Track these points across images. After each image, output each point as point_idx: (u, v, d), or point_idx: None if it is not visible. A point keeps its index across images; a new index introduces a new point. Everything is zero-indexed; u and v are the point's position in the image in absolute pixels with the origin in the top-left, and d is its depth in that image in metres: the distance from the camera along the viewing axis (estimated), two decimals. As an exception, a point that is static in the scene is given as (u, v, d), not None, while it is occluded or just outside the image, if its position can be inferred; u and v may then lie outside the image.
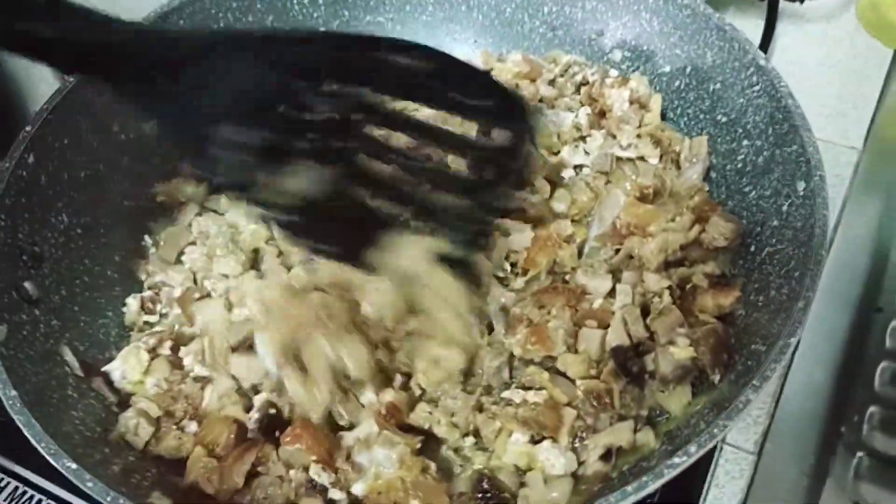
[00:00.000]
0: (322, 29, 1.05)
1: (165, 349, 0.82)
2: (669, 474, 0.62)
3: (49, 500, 0.82)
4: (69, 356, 0.79)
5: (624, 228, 0.85)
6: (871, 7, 1.31)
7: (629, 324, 0.78)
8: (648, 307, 0.81)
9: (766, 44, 1.24)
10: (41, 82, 1.01)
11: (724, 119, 0.91)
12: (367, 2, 1.06)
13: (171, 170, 0.96)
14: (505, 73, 1.00)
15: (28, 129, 0.85)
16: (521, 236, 0.84)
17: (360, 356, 0.73)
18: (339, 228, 0.69)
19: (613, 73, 0.99)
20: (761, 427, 0.91)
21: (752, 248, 0.83)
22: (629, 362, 0.76)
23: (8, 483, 0.84)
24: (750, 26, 1.28)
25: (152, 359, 0.81)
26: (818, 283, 0.69)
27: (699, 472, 0.84)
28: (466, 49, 1.07)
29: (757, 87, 0.86)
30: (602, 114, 0.94)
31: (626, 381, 0.75)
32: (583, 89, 0.97)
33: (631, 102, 0.93)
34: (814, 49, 1.31)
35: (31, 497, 0.83)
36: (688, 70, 0.95)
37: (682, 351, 0.76)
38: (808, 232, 0.73)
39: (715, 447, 0.88)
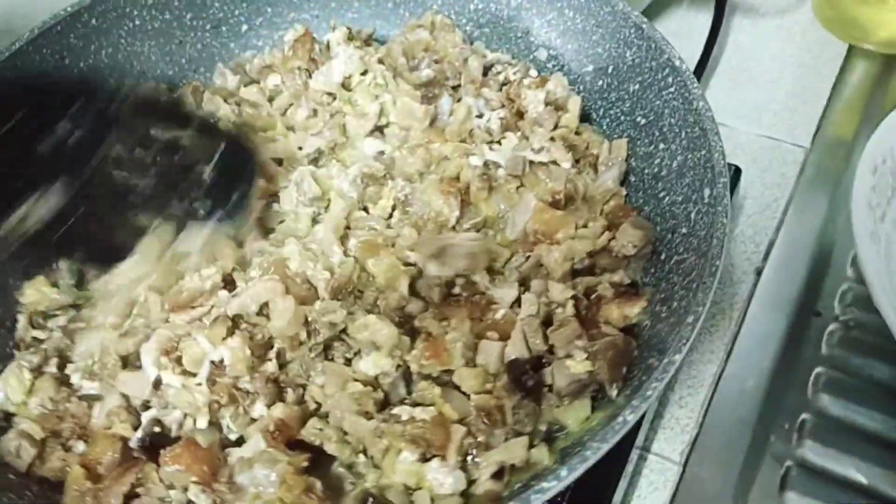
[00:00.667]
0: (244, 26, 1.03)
1: (51, 366, 0.79)
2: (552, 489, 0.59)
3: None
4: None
5: (532, 235, 0.82)
6: (828, 2, 1.28)
7: (528, 336, 0.75)
8: (552, 318, 0.78)
9: (713, 38, 1.21)
10: None
11: (643, 121, 0.88)
12: (289, -2, 1.03)
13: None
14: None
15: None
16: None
17: (240, 353, 0.71)
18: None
19: (533, 73, 0.97)
20: (688, 436, 0.89)
21: (663, 256, 0.80)
22: (524, 376, 0.73)
23: None
24: (704, 20, 1.26)
25: (36, 377, 0.78)
26: (710, 296, 0.66)
27: (616, 482, 0.82)
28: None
29: (672, 89, 0.83)
30: (520, 115, 0.91)
31: (520, 396, 0.72)
32: (503, 89, 0.94)
33: (547, 104, 0.90)
34: (767, 44, 1.28)
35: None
36: (609, 69, 0.92)
37: (578, 364, 0.73)
38: (708, 241, 0.70)
39: (640, 456, 0.86)
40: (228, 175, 0.80)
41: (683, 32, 1.28)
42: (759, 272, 1.00)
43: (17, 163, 0.73)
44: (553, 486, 0.58)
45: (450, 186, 0.84)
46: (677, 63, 0.82)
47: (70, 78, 0.91)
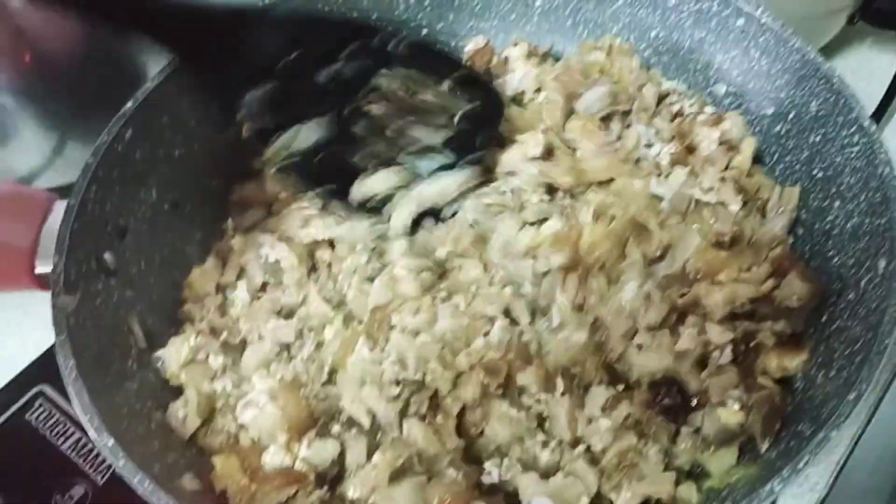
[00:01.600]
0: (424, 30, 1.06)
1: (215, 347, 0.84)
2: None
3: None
4: (136, 327, 0.84)
5: (693, 273, 0.82)
6: None
7: (683, 374, 0.75)
8: (707, 360, 0.78)
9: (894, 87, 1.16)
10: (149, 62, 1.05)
11: (821, 175, 0.86)
12: (472, 7, 1.05)
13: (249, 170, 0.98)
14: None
15: (129, 105, 0.89)
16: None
17: None
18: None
19: (709, 108, 0.95)
20: (817, 496, 0.88)
21: (824, 318, 0.78)
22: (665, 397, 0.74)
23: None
24: (888, 60, 1.21)
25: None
26: (876, 374, 0.65)
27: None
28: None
29: (856, 148, 0.80)
30: (689, 150, 0.90)
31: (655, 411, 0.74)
32: (675, 121, 0.93)
33: (721, 143, 0.89)
34: (953, 93, 1.21)
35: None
36: (791, 116, 0.90)
37: (731, 415, 0.73)
38: (879, 316, 0.68)
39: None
40: (477, 122, 0.88)
41: (864, 72, 1.23)
42: (915, 338, 0.97)
43: (296, 91, 0.83)
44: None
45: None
46: (866, 124, 0.80)
47: (350, 19, 0.99)
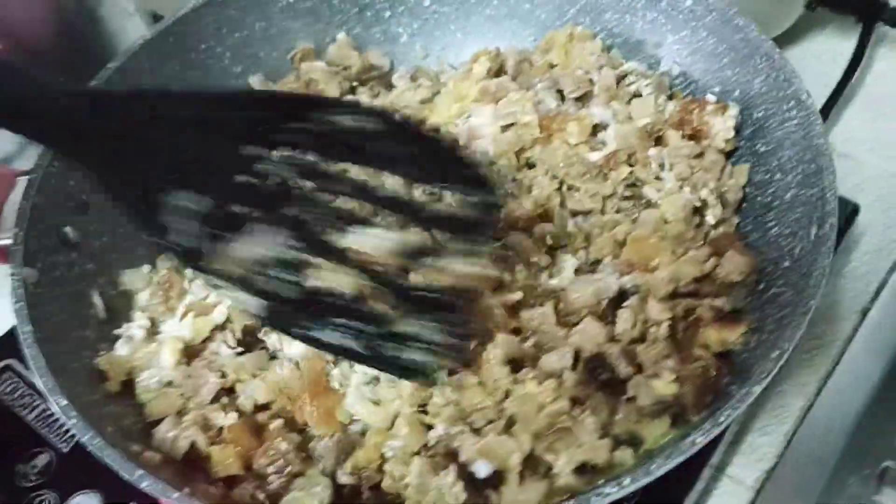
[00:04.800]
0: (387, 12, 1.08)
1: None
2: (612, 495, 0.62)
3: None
4: (97, 299, 0.86)
5: (625, 266, 0.84)
6: None
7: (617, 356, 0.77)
8: (646, 336, 0.80)
9: (854, 65, 1.19)
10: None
11: (763, 149, 0.88)
12: (433, -12, 1.07)
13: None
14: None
15: (93, 83, 0.92)
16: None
17: None
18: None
19: (712, 98, 0.95)
20: (766, 465, 0.89)
21: (762, 286, 0.80)
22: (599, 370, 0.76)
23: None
24: (849, 45, 1.23)
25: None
26: (799, 334, 0.67)
27: (684, 497, 0.83)
28: (527, 45, 1.07)
29: (795, 122, 0.82)
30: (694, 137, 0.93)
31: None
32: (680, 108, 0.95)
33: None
34: (910, 79, 1.24)
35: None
36: (736, 93, 0.92)
37: (664, 386, 0.75)
38: (806, 279, 0.71)
39: (713, 476, 0.88)
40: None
41: (826, 56, 1.25)
42: (864, 312, 0.99)
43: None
44: (613, 493, 0.61)
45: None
46: (803, 97, 0.82)
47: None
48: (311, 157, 0.65)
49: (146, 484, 0.65)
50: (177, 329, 0.83)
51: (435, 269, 0.67)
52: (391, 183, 0.72)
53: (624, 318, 0.80)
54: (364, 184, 0.68)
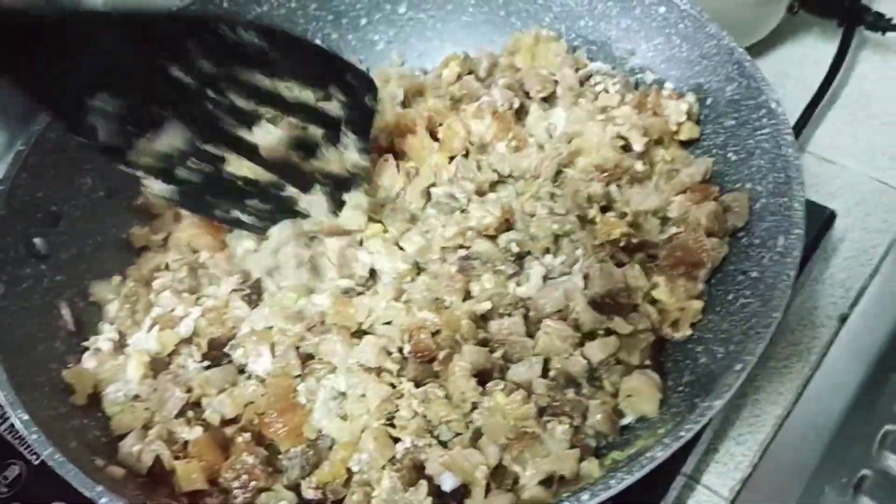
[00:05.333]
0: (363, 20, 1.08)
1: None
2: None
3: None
4: (65, 310, 0.86)
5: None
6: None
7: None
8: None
9: (835, 70, 1.18)
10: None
11: (734, 157, 0.88)
12: (408, -1, 1.07)
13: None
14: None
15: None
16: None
17: None
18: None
19: (669, 85, 0.97)
20: (741, 474, 0.89)
21: (730, 297, 0.80)
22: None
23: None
24: (831, 49, 1.22)
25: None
26: (761, 347, 0.67)
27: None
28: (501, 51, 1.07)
29: (766, 131, 0.82)
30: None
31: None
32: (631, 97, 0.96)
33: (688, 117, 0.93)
34: (893, 84, 1.23)
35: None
36: (709, 101, 0.92)
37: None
38: (772, 291, 0.70)
39: (687, 485, 0.87)
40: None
41: (808, 60, 1.25)
42: (843, 319, 0.98)
43: (145, 96, 0.77)
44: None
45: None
46: (773, 105, 0.81)
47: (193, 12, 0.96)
48: (216, 65, 0.76)
49: (104, 501, 0.65)
50: (143, 342, 0.83)
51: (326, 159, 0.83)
52: (285, 87, 0.80)
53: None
54: (263, 88, 0.79)
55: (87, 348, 0.85)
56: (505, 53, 1.03)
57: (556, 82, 0.97)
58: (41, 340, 0.82)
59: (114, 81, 0.75)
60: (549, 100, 0.97)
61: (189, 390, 0.80)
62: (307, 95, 0.80)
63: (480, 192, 0.88)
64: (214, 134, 0.80)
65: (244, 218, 0.87)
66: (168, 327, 0.83)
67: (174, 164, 0.81)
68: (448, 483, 0.72)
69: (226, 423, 0.79)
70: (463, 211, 0.88)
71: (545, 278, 0.83)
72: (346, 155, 0.84)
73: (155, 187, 0.82)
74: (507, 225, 0.86)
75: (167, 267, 0.91)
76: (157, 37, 0.75)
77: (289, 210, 0.86)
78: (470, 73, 1.02)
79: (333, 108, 0.81)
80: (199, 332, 0.83)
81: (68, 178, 0.91)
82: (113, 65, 0.74)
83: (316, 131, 0.82)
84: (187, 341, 0.83)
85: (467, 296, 0.83)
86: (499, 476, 0.73)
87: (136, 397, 0.81)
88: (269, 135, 0.81)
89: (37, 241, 0.87)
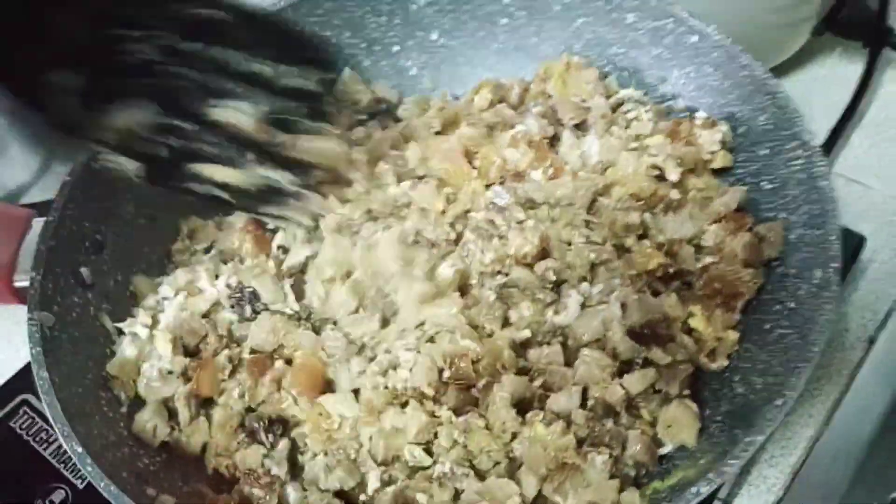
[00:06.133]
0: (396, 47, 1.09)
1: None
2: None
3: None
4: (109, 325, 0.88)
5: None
6: None
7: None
8: None
9: (862, 90, 1.19)
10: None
11: (769, 186, 0.89)
12: (441, 24, 1.08)
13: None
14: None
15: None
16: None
17: None
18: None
19: (702, 114, 0.97)
20: (773, 497, 0.90)
21: (767, 327, 0.81)
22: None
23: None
24: (855, 70, 1.23)
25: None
26: (803, 382, 0.68)
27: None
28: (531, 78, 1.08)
29: (799, 162, 0.83)
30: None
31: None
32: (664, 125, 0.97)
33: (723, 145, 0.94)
34: (919, 102, 1.23)
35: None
36: (740, 130, 0.93)
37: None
38: (811, 325, 0.71)
39: (720, 510, 0.89)
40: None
41: (833, 81, 1.25)
42: (871, 341, 0.99)
43: (105, 72, 0.75)
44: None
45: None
46: (807, 137, 0.82)
47: None
48: (175, 39, 0.75)
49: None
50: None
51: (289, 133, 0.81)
52: (245, 62, 0.79)
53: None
54: (224, 62, 0.77)
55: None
56: (536, 80, 1.04)
57: (587, 109, 0.98)
58: (90, 369, 0.84)
59: (71, 56, 0.73)
60: (580, 126, 0.98)
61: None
62: (269, 71, 0.79)
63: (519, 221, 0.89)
64: (180, 109, 0.78)
65: (223, 195, 0.83)
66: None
67: (140, 140, 0.78)
68: (481, 515, 0.73)
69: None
70: (501, 237, 0.88)
71: (583, 306, 0.84)
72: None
73: (122, 165, 0.79)
74: (543, 253, 0.87)
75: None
76: (108, 14, 0.74)
77: (269, 197, 0.84)
78: (501, 100, 1.03)
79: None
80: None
81: (111, 207, 0.93)
82: (69, 39, 0.73)
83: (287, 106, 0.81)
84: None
85: (505, 323, 0.84)
86: (540, 506, 0.75)
87: (169, 373, 0.84)
88: (237, 112, 0.79)
89: (83, 270, 0.88)
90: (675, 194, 0.90)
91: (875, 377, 0.97)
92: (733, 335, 0.82)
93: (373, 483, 0.77)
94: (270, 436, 0.80)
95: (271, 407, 0.82)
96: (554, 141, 0.98)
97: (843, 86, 1.23)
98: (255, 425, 0.81)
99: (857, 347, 0.98)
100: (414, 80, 1.10)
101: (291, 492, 0.77)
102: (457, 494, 0.75)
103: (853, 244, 1.00)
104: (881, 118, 1.22)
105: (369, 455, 0.78)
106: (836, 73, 1.27)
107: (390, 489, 0.76)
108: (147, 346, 0.87)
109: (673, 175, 0.90)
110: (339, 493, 0.77)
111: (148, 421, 0.82)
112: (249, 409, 0.84)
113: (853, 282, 1.03)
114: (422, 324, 0.83)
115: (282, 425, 0.82)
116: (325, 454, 0.79)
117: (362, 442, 0.79)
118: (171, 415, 0.84)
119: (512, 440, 0.77)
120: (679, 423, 0.78)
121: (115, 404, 0.84)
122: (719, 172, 0.95)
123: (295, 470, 0.80)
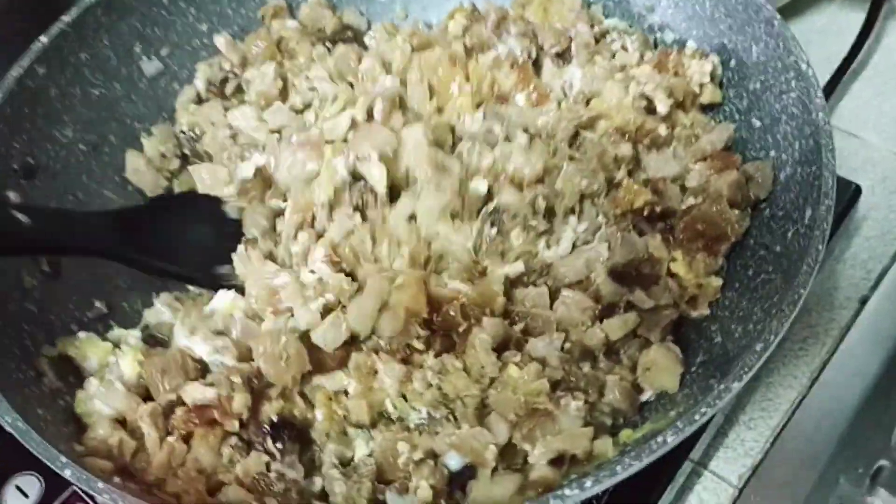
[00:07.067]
0: None
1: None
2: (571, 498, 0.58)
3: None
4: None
5: None
6: None
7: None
8: None
9: (862, 40, 1.13)
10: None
11: (759, 124, 0.83)
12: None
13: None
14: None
15: (43, 39, 0.86)
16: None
17: None
18: None
19: (692, 44, 0.91)
20: (751, 461, 0.86)
21: (751, 272, 0.76)
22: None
23: None
24: (857, 19, 1.17)
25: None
26: (785, 326, 0.62)
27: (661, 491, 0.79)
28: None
29: (794, 94, 0.77)
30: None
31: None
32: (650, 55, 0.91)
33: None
34: (920, 53, 1.17)
35: None
36: (732, 63, 0.87)
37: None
38: (797, 267, 0.65)
39: (694, 471, 0.84)
40: None
41: (833, 30, 1.19)
42: (863, 301, 0.94)
43: None
44: (574, 495, 0.56)
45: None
46: (804, 67, 0.76)
47: None
48: None
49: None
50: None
51: None
52: None
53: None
54: None
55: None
56: (515, 6, 0.98)
57: (569, 38, 0.92)
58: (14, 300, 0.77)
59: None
60: (562, 56, 0.92)
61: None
62: None
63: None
64: None
65: None
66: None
67: None
68: (454, 462, 0.69)
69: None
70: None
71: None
72: None
73: None
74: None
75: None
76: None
77: None
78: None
79: None
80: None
81: (47, 130, 0.86)
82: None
83: None
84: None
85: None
86: (508, 455, 0.70)
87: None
88: None
89: (10, 193, 0.81)
90: (663, 129, 0.84)
91: (866, 339, 0.93)
92: (716, 281, 0.77)
93: (361, 449, 0.72)
94: (279, 443, 0.72)
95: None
96: (536, 67, 0.92)
97: (841, 36, 1.17)
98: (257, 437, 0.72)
99: (847, 307, 0.94)
100: (384, 6, 1.04)
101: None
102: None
103: (848, 194, 0.94)
104: (881, 70, 1.16)
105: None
106: (836, 22, 1.21)
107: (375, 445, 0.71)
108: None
109: (662, 106, 0.84)
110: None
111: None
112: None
113: (846, 237, 0.98)
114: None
115: (287, 428, 0.73)
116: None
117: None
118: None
119: (490, 385, 0.71)
120: (659, 367, 0.73)
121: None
122: (706, 108, 0.89)
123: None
